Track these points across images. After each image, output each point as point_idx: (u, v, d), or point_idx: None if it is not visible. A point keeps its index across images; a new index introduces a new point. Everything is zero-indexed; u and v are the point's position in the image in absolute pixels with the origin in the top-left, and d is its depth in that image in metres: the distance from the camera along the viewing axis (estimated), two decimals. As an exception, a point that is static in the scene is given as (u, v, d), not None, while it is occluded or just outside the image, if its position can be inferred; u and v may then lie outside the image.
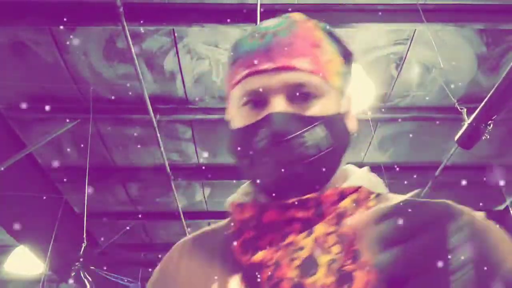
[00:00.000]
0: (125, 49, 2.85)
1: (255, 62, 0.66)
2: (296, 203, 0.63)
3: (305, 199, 0.63)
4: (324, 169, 0.66)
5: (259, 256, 0.62)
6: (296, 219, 0.63)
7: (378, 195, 0.68)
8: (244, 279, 0.63)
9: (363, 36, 3.06)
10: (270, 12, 2.66)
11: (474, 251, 0.46)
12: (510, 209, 4.57)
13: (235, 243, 0.66)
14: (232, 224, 0.70)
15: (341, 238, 0.60)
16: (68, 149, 4.01)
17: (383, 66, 3.32)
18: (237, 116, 0.69)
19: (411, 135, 3.94)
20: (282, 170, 0.62)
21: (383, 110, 3.62)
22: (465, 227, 0.48)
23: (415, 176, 4.27)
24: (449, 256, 0.46)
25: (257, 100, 0.66)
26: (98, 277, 4.46)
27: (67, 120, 3.52)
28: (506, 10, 2.77)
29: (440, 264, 0.46)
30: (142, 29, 2.98)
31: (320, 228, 0.62)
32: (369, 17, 2.80)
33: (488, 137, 2.59)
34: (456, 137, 2.76)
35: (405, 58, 3.26)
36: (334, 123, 0.67)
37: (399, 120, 3.75)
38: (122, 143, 3.99)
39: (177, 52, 3.19)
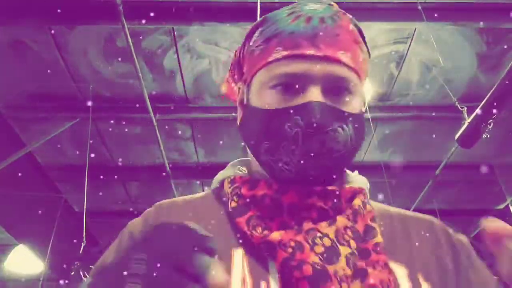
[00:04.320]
0: (125, 48, 2.85)
1: (299, 45, 0.63)
2: (319, 192, 0.62)
3: (328, 190, 0.63)
4: (343, 166, 0.66)
5: (276, 235, 0.59)
6: (315, 207, 0.62)
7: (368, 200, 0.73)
8: (249, 254, 0.61)
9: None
10: (270, 11, 2.66)
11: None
12: (510, 208, 4.57)
13: (239, 218, 0.63)
14: (234, 198, 0.66)
15: (355, 234, 0.62)
16: (68, 148, 4.00)
17: (383, 65, 3.31)
18: (262, 97, 0.66)
19: (411, 134, 3.93)
20: (310, 160, 0.61)
21: (383, 108, 3.62)
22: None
23: (415, 175, 4.27)
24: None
25: (291, 84, 0.63)
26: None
27: (67, 119, 3.52)
28: (506, 9, 2.77)
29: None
30: (141, 28, 2.97)
31: (341, 220, 0.62)
32: (369, 15, 2.79)
33: (488, 136, 2.58)
34: (457, 136, 2.75)
35: (405, 56, 3.25)
36: (360, 122, 0.66)
37: (399, 119, 3.75)
38: (121, 142, 3.99)
39: (176, 51, 3.18)
